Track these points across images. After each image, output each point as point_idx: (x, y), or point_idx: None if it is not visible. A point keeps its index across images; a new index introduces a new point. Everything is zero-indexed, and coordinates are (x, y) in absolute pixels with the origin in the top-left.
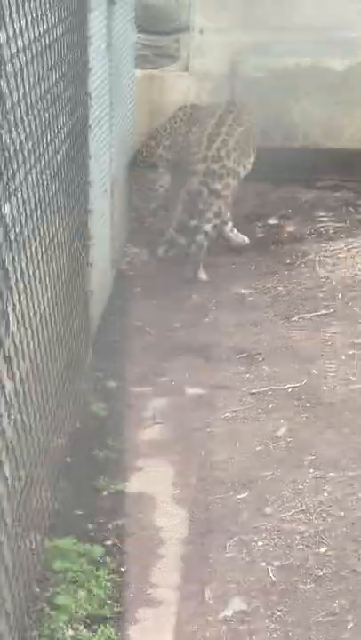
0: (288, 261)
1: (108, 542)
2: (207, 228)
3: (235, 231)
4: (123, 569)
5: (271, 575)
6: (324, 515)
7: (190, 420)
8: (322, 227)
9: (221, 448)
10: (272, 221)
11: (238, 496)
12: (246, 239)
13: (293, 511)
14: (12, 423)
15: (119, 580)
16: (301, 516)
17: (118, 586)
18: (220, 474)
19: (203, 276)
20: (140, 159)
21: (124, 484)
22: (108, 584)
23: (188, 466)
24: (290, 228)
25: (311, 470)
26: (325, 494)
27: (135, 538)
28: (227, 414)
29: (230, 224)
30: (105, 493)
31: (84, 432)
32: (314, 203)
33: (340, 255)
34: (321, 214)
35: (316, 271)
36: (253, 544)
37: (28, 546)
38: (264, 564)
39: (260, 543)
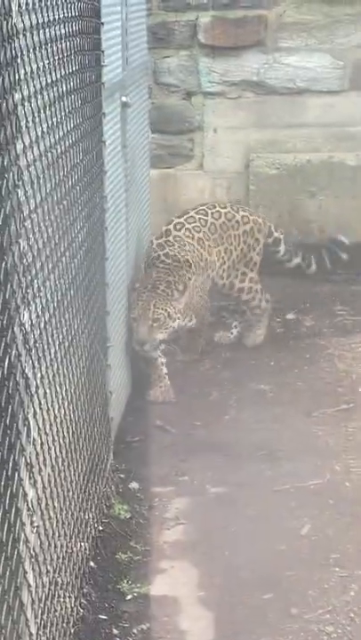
0: (307, 356)
1: None
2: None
3: None
4: None
5: None
6: (352, 614)
7: (213, 519)
8: (340, 320)
9: (245, 548)
10: (290, 316)
11: (264, 596)
12: None
13: (320, 611)
14: (35, 531)
15: None
16: (328, 616)
17: None
18: (245, 574)
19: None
20: None
21: (148, 587)
22: None
23: (213, 566)
24: (308, 323)
25: (336, 569)
26: (352, 593)
27: None
28: (249, 513)
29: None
30: (129, 597)
31: (107, 535)
32: (331, 297)
33: (358, 349)
34: (338, 308)
35: (336, 365)
36: None
37: None
38: None
39: None
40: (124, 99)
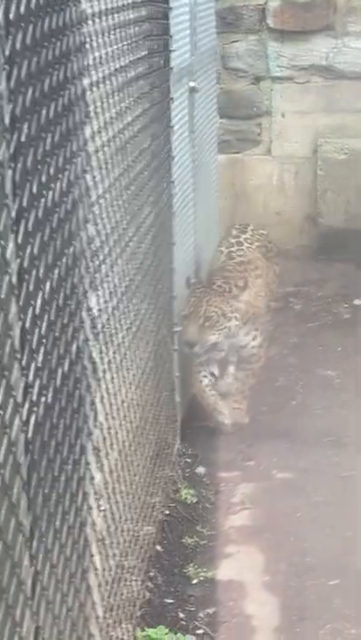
0: None
1: (200, 631)
2: None
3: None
4: None
5: None
6: None
7: (279, 504)
8: None
9: (311, 533)
10: (357, 302)
11: (330, 582)
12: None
13: None
14: (102, 514)
15: None
16: None
17: None
18: (311, 560)
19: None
20: None
21: (214, 572)
22: None
23: (279, 552)
24: None
25: None
26: None
27: (227, 626)
28: (316, 499)
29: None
30: (195, 581)
31: (173, 519)
32: None
33: None
34: None
35: None
36: (346, 632)
37: (119, 636)
38: None
39: (353, 631)
40: (192, 84)
